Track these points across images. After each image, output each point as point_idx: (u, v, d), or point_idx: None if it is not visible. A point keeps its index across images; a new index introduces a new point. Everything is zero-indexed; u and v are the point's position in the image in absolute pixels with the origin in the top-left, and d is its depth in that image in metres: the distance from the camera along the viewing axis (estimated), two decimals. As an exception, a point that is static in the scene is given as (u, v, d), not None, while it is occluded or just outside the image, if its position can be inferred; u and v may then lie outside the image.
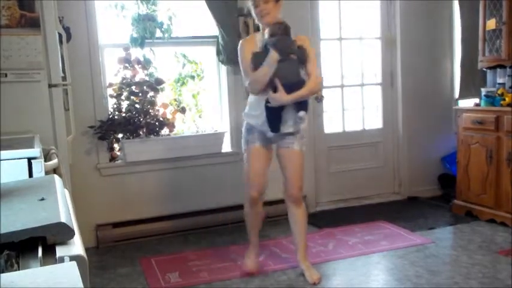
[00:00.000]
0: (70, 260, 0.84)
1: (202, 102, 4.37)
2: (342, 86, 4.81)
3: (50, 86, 2.87)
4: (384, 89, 4.95)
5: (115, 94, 3.92)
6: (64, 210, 1.03)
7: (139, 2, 3.87)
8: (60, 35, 3.01)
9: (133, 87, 3.93)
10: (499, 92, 4.04)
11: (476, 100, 4.33)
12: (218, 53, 4.19)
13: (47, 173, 1.87)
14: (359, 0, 4.77)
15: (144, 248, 3.82)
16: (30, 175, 1.80)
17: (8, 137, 2.31)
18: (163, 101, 4.09)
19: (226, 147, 4.33)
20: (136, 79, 3.96)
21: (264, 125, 2.97)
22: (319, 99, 4.58)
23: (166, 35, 3.94)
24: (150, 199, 4.10)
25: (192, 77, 4.28)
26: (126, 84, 3.92)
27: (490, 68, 4.30)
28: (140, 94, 3.93)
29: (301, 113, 2.91)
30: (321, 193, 4.75)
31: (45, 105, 2.86)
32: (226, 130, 4.32)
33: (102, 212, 3.94)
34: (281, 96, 2.84)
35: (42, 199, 1.13)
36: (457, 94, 4.87)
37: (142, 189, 4.07)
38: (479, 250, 3.46)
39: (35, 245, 0.91)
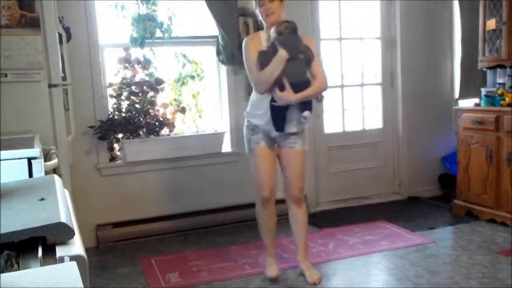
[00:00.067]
0: (70, 260, 0.84)
1: (202, 102, 4.37)
2: (342, 86, 4.81)
3: (50, 86, 2.87)
4: (384, 89, 4.95)
5: (115, 94, 3.92)
6: (64, 210, 1.03)
7: (139, 2, 3.87)
8: (60, 35, 3.01)
9: (133, 87, 3.93)
10: (499, 92, 4.04)
11: (476, 100, 4.33)
12: (218, 53, 4.19)
13: (47, 173, 1.86)
14: (359, 0, 4.77)
15: (144, 248, 3.82)
16: (30, 175, 1.80)
17: (8, 137, 2.31)
18: (163, 101, 4.09)
19: (226, 147, 4.33)
20: (136, 79, 3.96)
21: (268, 124, 2.94)
22: (319, 99, 4.57)
23: (166, 35, 3.94)
24: (150, 199, 4.10)
25: (192, 77, 4.28)
26: (126, 84, 3.92)
27: (490, 68, 4.30)
28: (140, 94, 3.93)
29: (306, 113, 2.89)
30: (321, 193, 4.75)
31: (45, 105, 2.86)
32: (226, 130, 4.32)
33: (102, 212, 3.94)
34: (288, 95, 2.81)
35: (42, 199, 1.13)
36: (457, 94, 4.87)
37: (142, 189, 4.07)
38: (479, 250, 3.46)
39: (35, 245, 0.91)
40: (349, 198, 4.84)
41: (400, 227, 4.03)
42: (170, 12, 3.98)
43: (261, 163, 3.04)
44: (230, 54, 4.10)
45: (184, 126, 4.25)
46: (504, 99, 3.98)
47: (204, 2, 3.98)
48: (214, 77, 4.37)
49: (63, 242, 0.93)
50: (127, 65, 3.94)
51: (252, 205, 4.14)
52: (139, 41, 3.84)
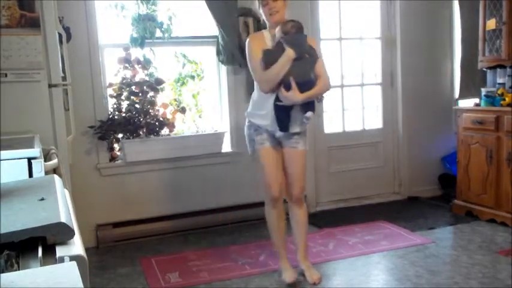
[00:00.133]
0: (70, 260, 0.84)
1: (202, 102, 4.37)
2: (342, 86, 4.81)
3: (50, 86, 2.87)
4: (384, 89, 4.95)
5: (115, 94, 3.92)
6: (64, 210, 1.03)
7: (139, 2, 3.87)
8: (60, 35, 3.01)
9: (133, 87, 3.93)
10: (499, 92, 4.04)
11: (476, 100, 4.33)
12: (218, 53, 4.19)
13: (47, 173, 1.86)
14: (359, 0, 4.77)
15: (144, 248, 3.82)
16: (30, 175, 1.80)
17: (8, 137, 2.31)
18: (163, 101, 4.09)
19: (226, 147, 4.33)
20: (136, 79, 3.96)
21: (272, 124, 2.93)
22: (319, 99, 4.56)
23: (166, 35, 3.94)
24: (150, 199, 4.10)
25: (192, 77, 4.28)
26: (126, 84, 3.92)
27: (490, 68, 4.30)
28: (140, 94, 3.93)
29: (309, 114, 2.88)
30: (321, 193, 4.75)
31: (45, 105, 2.86)
32: (226, 130, 4.32)
33: (102, 212, 3.94)
34: (294, 95, 2.80)
35: (42, 199, 1.13)
36: (457, 94, 4.87)
37: (142, 189, 4.07)
38: (479, 250, 3.46)
39: (35, 245, 0.90)
40: (349, 198, 4.84)
41: (400, 227, 4.03)
42: (170, 12, 3.98)
43: (268, 163, 3.03)
44: (230, 54, 4.10)
45: (184, 126, 4.25)
46: (504, 99, 3.98)
47: (204, 2, 3.98)
48: (214, 77, 4.37)
49: (63, 242, 0.93)
50: (127, 65, 3.94)
51: (252, 205, 4.17)
52: (139, 41, 3.84)
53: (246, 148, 3.18)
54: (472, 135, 4.16)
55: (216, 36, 4.16)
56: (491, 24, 4.13)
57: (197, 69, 4.29)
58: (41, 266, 0.84)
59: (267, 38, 2.97)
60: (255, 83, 3.00)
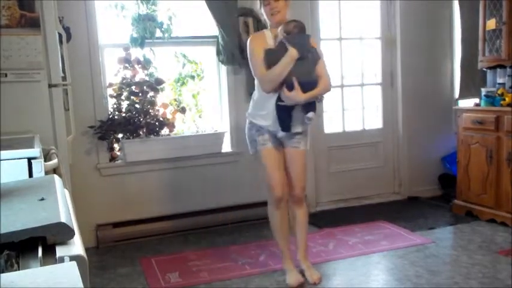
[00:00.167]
0: (70, 260, 0.84)
1: (202, 102, 4.37)
2: (342, 86, 4.81)
3: (50, 86, 2.87)
4: (383, 89, 4.95)
5: (115, 94, 3.92)
6: (64, 210, 1.03)
7: (139, 2, 3.87)
8: (60, 35, 3.01)
9: (133, 87, 3.93)
10: (499, 92, 4.04)
11: (476, 100, 4.33)
12: (218, 53, 4.19)
13: (47, 173, 1.86)
14: (359, 0, 4.77)
15: (144, 248, 3.82)
16: (30, 175, 1.80)
17: (8, 137, 2.31)
18: (163, 101, 4.09)
19: (226, 147, 4.33)
20: (136, 79, 3.96)
21: (273, 125, 2.93)
22: (319, 99, 4.55)
23: (166, 35, 3.94)
24: (150, 199, 4.10)
25: (192, 77, 4.28)
26: (126, 84, 3.92)
27: (490, 68, 4.30)
28: (140, 94, 3.93)
29: (311, 114, 2.88)
30: (321, 193, 4.75)
31: (45, 105, 2.86)
32: (226, 130, 4.32)
33: (102, 212, 3.94)
34: (297, 95, 2.79)
35: (42, 199, 1.13)
36: (457, 94, 4.87)
37: (142, 189, 4.07)
38: (479, 250, 3.46)
39: (35, 245, 0.90)
40: (349, 198, 4.84)
41: (400, 227, 4.03)
42: (170, 12, 3.98)
43: (270, 164, 3.02)
44: (230, 54, 4.09)
45: (184, 126, 4.25)
46: (504, 99, 3.97)
47: (204, 2, 3.98)
48: (214, 77, 4.37)
49: (63, 242, 0.93)
50: (127, 65, 3.94)
51: (252, 205, 4.17)
52: (139, 41, 3.84)
53: (246, 148, 3.18)
54: (472, 135, 4.16)
55: (216, 36, 4.16)
56: (491, 24, 4.13)
57: (197, 69, 4.29)
58: (41, 266, 0.84)
59: (268, 38, 2.96)
60: (256, 83, 3.00)
